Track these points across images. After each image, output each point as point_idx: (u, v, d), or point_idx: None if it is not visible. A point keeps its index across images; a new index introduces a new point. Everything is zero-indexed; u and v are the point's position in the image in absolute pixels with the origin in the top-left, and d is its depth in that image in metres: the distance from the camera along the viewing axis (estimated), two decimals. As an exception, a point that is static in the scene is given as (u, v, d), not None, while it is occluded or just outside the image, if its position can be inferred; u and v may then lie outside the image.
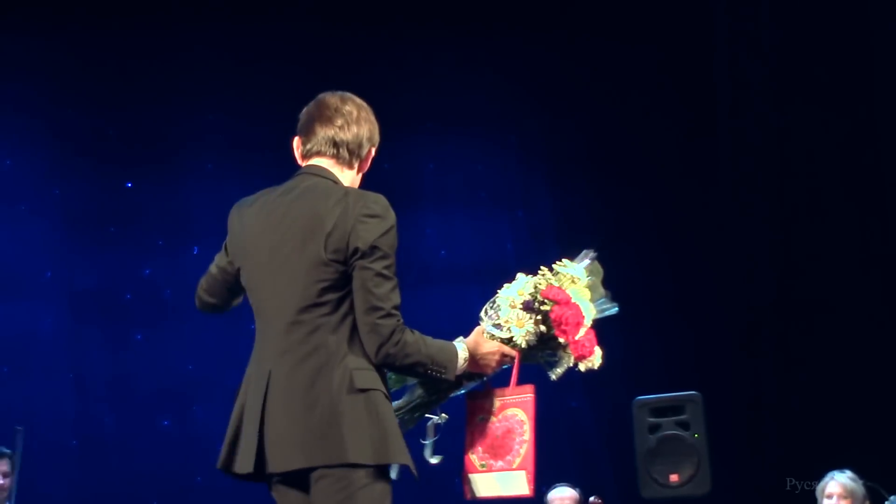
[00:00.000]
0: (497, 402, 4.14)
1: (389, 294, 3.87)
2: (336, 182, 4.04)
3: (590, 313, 4.20)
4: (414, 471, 3.93)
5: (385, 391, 3.94)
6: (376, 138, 4.15)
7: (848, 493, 7.53)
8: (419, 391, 4.21)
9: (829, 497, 7.50)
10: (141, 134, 9.65)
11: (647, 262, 9.91)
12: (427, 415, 4.19)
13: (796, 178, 9.88)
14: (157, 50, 9.71)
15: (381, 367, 3.92)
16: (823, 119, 9.77)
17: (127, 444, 9.24)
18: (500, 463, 4.09)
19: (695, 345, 9.82)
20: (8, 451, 8.02)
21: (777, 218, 9.92)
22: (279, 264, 3.97)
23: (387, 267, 3.88)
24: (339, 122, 4.12)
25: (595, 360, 4.16)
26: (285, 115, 9.50)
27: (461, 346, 4.05)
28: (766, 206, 9.98)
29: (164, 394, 9.41)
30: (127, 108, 9.62)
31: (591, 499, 7.41)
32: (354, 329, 3.90)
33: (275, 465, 3.91)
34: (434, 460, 4.14)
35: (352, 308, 3.90)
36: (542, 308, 4.13)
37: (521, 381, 4.18)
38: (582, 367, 4.18)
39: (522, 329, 4.10)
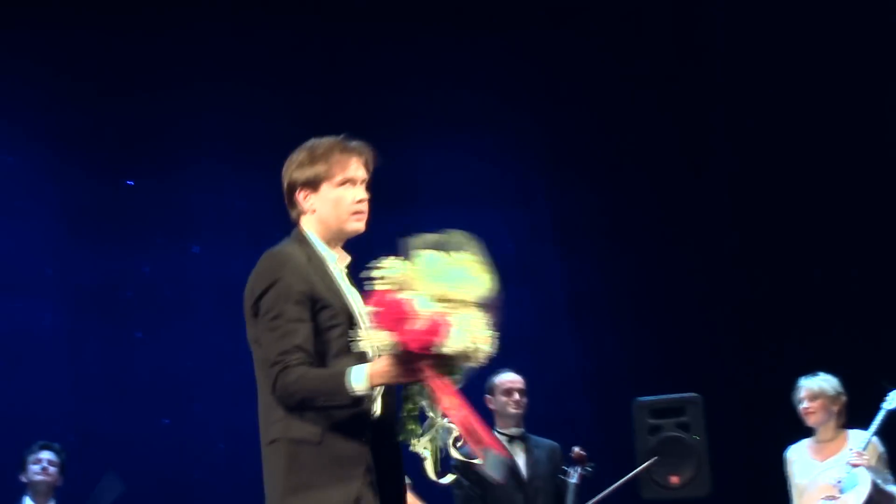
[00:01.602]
0: (448, 400, 4.11)
1: (274, 344, 4.10)
2: (293, 235, 4.34)
3: (427, 301, 4.01)
4: None
5: (294, 436, 4.13)
6: (297, 179, 4.32)
7: (815, 395, 7.63)
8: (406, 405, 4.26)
9: (801, 402, 7.64)
10: (140, 131, 9.62)
11: (643, 261, 9.95)
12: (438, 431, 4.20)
13: (792, 170, 9.84)
14: (158, 46, 9.68)
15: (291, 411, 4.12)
16: (820, 114, 9.72)
17: (126, 442, 9.19)
18: (483, 446, 4.13)
19: (692, 344, 9.80)
20: (57, 445, 8.10)
21: (772, 214, 9.89)
22: None
23: (271, 319, 4.13)
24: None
25: (442, 343, 3.97)
26: (285, 112, 9.66)
27: (359, 367, 4.07)
28: (760, 202, 9.96)
29: (165, 391, 9.38)
30: (126, 104, 9.59)
31: (576, 449, 7.36)
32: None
33: None
34: (443, 480, 4.22)
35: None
36: (372, 316, 4.09)
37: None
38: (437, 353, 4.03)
39: (375, 335, 4.08)
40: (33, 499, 8.17)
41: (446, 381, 4.05)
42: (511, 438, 7.59)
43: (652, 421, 7.16)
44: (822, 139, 9.73)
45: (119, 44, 9.65)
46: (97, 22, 9.59)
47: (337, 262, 4.30)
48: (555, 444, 7.69)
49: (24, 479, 8.20)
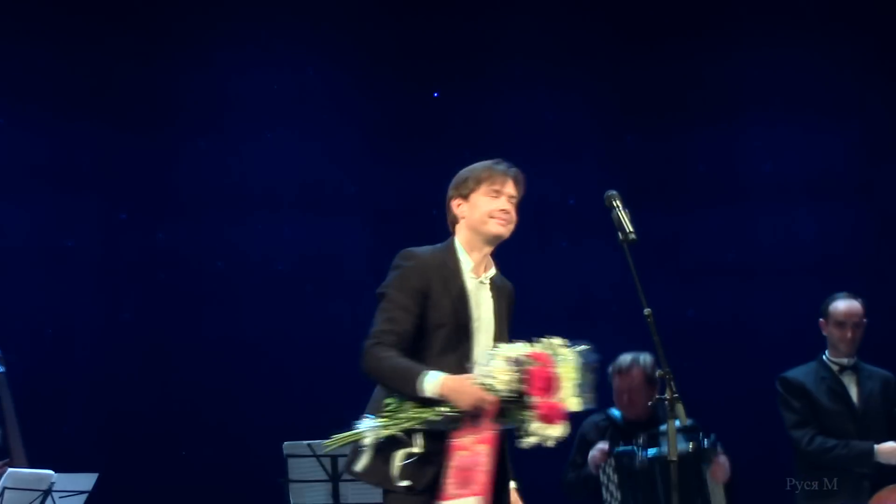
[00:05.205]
0: (471, 440, 4.68)
1: (377, 322, 4.81)
2: (444, 242, 5.04)
3: (567, 389, 4.67)
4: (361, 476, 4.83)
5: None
6: (454, 192, 5.03)
7: None
8: (405, 413, 4.75)
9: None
10: (447, 42, 9.42)
11: None
12: (404, 439, 4.76)
13: None
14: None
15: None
16: None
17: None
18: (465, 491, 4.63)
19: None
20: None
21: None
22: None
23: (384, 301, 4.84)
24: None
25: (557, 430, 4.65)
26: (599, 22, 9.21)
27: (437, 374, 4.67)
28: None
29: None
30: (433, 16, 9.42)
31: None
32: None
33: None
34: (401, 483, 4.74)
35: None
36: (524, 366, 4.64)
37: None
38: (543, 433, 4.64)
39: (505, 377, 4.62)
40: None
41: (490, 426, 4.66)
42: (842, 368, 7.35)
43: None
44: None
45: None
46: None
47: (473, 270, 4.95)
48: (889, 374, 7.42)
49: None
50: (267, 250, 9.11)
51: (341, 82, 9.37)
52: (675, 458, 5.20)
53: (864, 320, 7.33)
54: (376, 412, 4.77)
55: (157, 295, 9.11)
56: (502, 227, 4.96)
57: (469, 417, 4.68)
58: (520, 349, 4.68)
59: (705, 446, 6.98)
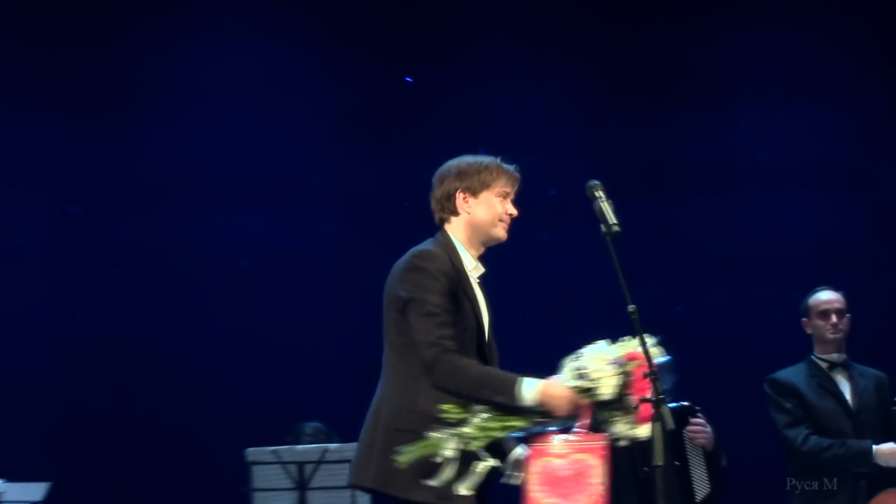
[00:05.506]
0: (564, 447, 4.65)
1: (431, 329, 4.66)
2: (436, 238, 4.97)
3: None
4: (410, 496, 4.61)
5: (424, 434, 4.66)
6: (459, 184, 4.95)
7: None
8: (483, 422, 4.65)
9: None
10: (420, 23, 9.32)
11: None
12: (481, 450, 4.65)
13: None
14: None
15: (443, 392, 4.64)
16: None
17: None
18: (567, 502, 4.58)
19: None
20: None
21: None
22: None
23: (425, 307, 4.68)
24: (433, 192, 5.09)
25: (646, 430, 4.62)
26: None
27: (534, 380, 4.62)
28: None
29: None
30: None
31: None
32: (415, 370, 4.71)
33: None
34: (464, 491, 4.61)
35: (412, 352, 4.74)
36: (626, 368, 4.61)
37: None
38: (631, 433, 4.65)
39: (612, 381, 4.59)
40: None
41: (601, 438, 4.64)
42: (832, 365, 7.18)
43: None
44: None
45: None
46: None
47: (473, 269, 4.90)
48: (882, 374, 7.24)
49: None
50: (230, 245, 9.01)
51: (308, 65, 9.29)
52: (661, 463, 4.89)
53: (848, 315, 7.16)
54: (431, 420, 4.61)
55: (113, 293, 9.00)
56: (505, 233, 4.99)
57: (557, 422, 4.69)
58: (613, 350, 4.66)
59: (682, 405, 6.87)
